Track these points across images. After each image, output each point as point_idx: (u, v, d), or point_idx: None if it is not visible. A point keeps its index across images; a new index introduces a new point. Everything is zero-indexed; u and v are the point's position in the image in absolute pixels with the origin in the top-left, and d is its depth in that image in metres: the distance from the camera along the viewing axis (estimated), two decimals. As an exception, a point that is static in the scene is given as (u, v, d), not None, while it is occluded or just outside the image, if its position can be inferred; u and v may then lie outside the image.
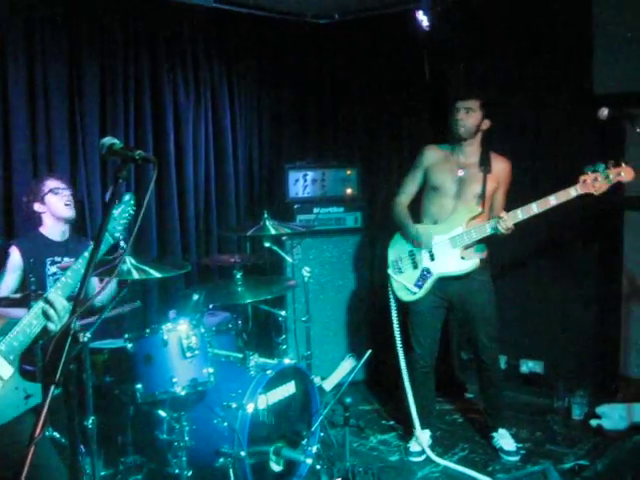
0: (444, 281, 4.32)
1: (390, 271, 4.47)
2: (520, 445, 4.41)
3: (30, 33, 4.60)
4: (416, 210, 4.51)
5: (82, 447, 3.46)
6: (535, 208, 4.03)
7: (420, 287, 4.34)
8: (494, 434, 4.44)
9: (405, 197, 4.52)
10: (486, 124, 4.30)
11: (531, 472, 2.68)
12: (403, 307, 4.48)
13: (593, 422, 4.65)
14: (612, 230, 4.98)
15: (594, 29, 4.67)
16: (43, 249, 4.04)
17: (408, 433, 4.58)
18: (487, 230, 4.16)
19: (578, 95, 4.92)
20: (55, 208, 4.08)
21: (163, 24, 5.29)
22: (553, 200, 3.99)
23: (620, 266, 4.95)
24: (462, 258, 4.26)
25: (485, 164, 4.27)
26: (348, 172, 5.80)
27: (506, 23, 5.23)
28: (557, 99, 5.12)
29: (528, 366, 5.34)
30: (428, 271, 4.32)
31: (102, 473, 3.54)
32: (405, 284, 4.38)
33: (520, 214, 4.07)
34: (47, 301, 2.43)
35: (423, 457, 4.37)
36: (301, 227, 5.08)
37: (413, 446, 4.43)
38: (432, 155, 4.42)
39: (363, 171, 5.87)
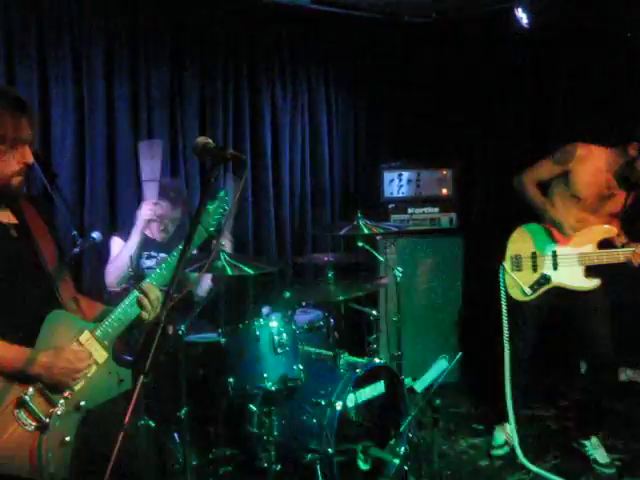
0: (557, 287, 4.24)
1: (507, 265, 4.32)
2: (616, 457, 4.26)
3: (134, 40, 4.82)
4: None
5: (176, 436, 3.59)
6: None
7: (535, 291, 4.24)
8: (587, 442, 4.32)
9: (533, 182, 4.28)
10: None
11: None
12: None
13: (695, 435, 4.46)
14: None
15: None
16: (141, 243, 4.18)
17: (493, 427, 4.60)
18: (620, 259, 4.07)
19: None
20: (151, 229, 4.25)
21: (261, 26, 5.41)
22: None
23: None
24: (584, 276, 4.18)
25: (634, 186, 4.11)
26: (444, 172, 5.75)
27: (618, 22, 5.00)
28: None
29: (627, 375, 5.15)
30: (547, 278, 4.23)
31: (194, 463, 3.62)
32: (520, 283, 4.27)
33: None
34: (141, 290, 2.53)
35: (505, 450, 4.39)
36: (395, 227, 5.06)
37: (496, 439, 4.46)
38: (582, 159, 4.12)
39: (459, 172, 5.80)
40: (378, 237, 5.26)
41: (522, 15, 5.09)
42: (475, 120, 6.09)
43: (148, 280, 2.61)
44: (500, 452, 4.43)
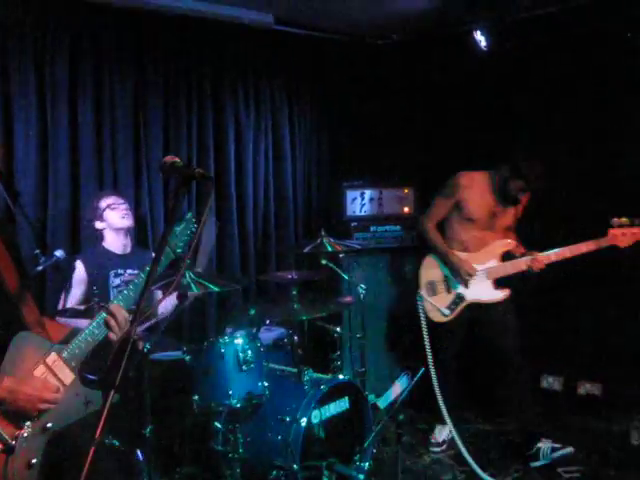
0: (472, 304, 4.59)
1: (423, 292, 4.67)
2: (576, 468, 4.36)
3: (98, 56, 4.82)
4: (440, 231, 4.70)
5: (140, 455, 3.58)
6: (568, 253, 4.32)
7: (452, 310, 4.60)
8: (539, 445, 4.45)
9: (434, 223, 4.67)
10: None
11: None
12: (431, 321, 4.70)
13: (651, 447, 4.58)
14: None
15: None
16: (106, 262, 4.26)
17: (431, 427, 4.92)
18: (522, 267, 4.45)
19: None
20: (113, 222, 4.34)
21: (225, 46, 5.45)
22: (584, 248, 4.30)
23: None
24: (494, 289, 4.54)
25: (516, 201, 4.49)
26: (405, 191, 5.84)
27: (570, 44, 5.15)
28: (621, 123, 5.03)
29: (586, 388, 5.24)
30: (461, 297, 4.58)
31: (159, 481, 3.63)
32: (438, 306, 4.61)
33: (553, 257, 4.36)
34: (109, 312, 2.54)
35: (442, 448, 4.73)
36: (358, 245, 5.13)
37: (434, 437, 4.79)
38: (467, 187, 4.53)
39: (420, 190, 5.89)
40: (341, 255, 5.30)
41: (481, 38, 5.22)
42: (436, 139, 6.18)
43: (115, 301, 2.63)
44: (438, 449, 4.74)
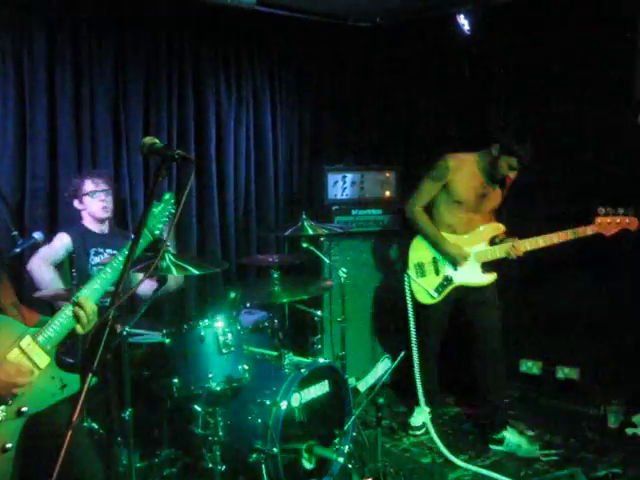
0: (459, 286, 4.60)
1: (411, 273, 4.66)
2: (553, 451, 4.39)
3: (77, 32, 4.74)
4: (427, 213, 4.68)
5: (119, 438, 3.56)
6: (556, 239, 4.35)
7: (439, 293, 4.60)
8: (504, 434, 4.48)
9: (422, 206, 4.62)
10: None
11: (559, 476, 2.69)
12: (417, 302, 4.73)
13: (629, 431, 4.64)
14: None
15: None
16: (87, 239, 4.28)
17: (411, 410, 4.89)
18: (504, 253, 4.45)
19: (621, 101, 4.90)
20: (91, 209, 4.31)
21: (206, 26, 5.38)
22: (571, 235, 4.33)
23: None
24: (482, 272, 4.55)
25: (504, 182, 4.51)
26: (387, 175, 5.82)
27: (550, 28, 5.14)
28: (600, 106, 5.03)
29: (564, 372, 5.27)
30: (449, 279, 4.58)
31: (138, 465, 3.59)
32: (426, 288, 4.61)
33: (542, 242, 4.38)
34: (77, 303, 2.49)
35: (422, 431, 4.72)
36: (339, 228, 5.11)
37: (414, 420, 4.78)
38: (456, 169, 4.46)
39: (402, 174, 5.88)
40: (322, 238, 5.28)
41: (464, 22, 5.20)
42: (418, 123, 6.18)
43: (83, 294, 2.58)
44: (418, 432, 4.76)
